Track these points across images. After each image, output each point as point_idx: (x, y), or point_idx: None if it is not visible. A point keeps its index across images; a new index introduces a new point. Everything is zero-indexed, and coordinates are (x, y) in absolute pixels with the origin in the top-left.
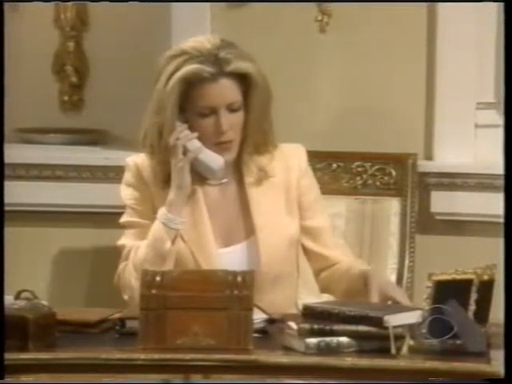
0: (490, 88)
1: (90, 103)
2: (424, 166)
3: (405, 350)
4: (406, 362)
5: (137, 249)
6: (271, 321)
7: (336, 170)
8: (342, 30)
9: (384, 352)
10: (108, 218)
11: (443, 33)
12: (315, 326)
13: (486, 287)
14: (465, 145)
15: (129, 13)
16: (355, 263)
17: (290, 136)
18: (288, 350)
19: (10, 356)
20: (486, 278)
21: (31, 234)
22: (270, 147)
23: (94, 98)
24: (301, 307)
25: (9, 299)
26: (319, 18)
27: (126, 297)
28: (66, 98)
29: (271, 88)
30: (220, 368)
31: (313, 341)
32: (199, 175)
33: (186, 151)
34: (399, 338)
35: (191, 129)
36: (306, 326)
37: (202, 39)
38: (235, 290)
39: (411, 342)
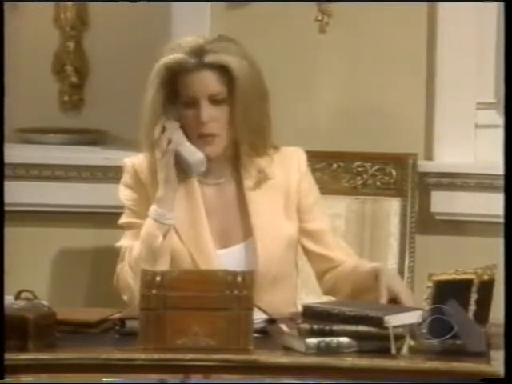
0: (490, 88)
1: (89, 103)
2: (424, 165)
3: (405, 350)
4: (406, 362)
5: (131, 248)
6: (271, 321)
7: (336, 170)
8: (341, 30)
9: (384, 352)
10: (108, 218)
11: (443, 33)
12: (315, 326)
13: (486, 287)
14: (465, 145)
15: (129, 13)
16: (360, 262)
17: (290, 136)
18: (288, 350)
19: (10, 356)
20: (486, 278)
21: (31, 234)
22: (269, 149)
23: (94, 97)
24: (300, 307)
25: (9, 299)
26: (319, 17)
27: (125, 298)
28: (65, 97)
29: (268, 87)
30: (220, 368)
31: (313, 341)
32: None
33: (169, 143)
34: (399, 338)
35: (179, 121)
36: (306, 326)
37: (200, 36)
38: (235, 290)
39: (411, 342)
